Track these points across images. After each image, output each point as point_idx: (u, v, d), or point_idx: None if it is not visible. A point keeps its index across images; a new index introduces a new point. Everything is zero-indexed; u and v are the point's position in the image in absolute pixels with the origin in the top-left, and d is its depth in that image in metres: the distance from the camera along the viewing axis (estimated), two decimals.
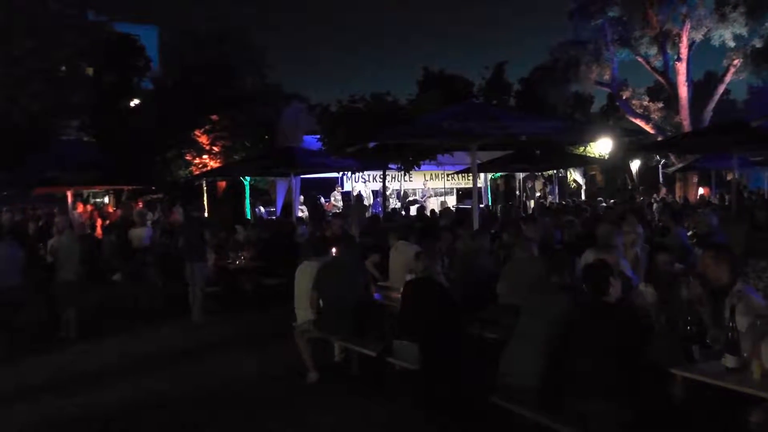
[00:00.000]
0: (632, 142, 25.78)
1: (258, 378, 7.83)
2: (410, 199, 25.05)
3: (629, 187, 33.36)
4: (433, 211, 18.59)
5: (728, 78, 27.13)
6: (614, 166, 32.19)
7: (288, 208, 19.36)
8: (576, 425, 4.59)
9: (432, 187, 26.25)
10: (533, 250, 7.46)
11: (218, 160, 24.35)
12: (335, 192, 23.70)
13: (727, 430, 4.59)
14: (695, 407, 4.71)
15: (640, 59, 27.70)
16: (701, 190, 26.26)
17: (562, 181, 30.94)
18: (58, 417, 6.74)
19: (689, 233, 9.77)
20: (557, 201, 26.18)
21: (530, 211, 21.04)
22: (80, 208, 20.16)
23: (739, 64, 26.33)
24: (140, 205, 20.39)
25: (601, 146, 24.68)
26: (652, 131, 27.08)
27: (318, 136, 18.54)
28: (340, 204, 22.99)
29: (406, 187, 25.67)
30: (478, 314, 6.98)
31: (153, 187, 25.47)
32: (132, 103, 28.15)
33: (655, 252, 6.27)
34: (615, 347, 4.54)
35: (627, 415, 4.39)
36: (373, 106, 17.06)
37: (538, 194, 26.96)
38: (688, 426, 4.72)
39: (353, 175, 24.00)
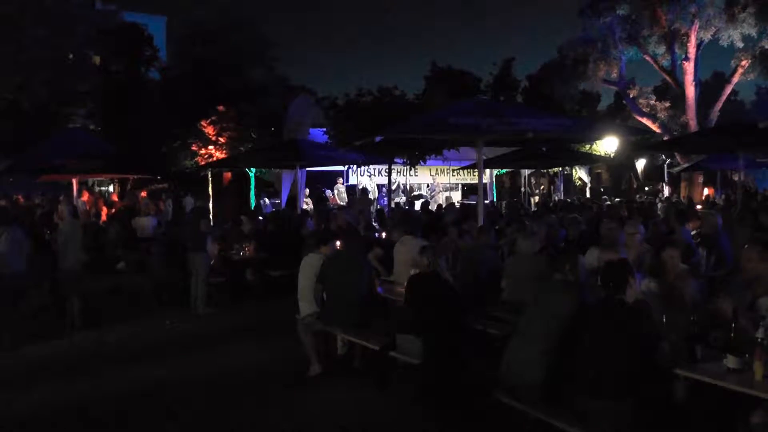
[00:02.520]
0: (638, 141, 25.77)
1: (260, 369, 7.86)
2: (415, 193, 25.07)
3: (634, 186, 33.31)
4: (440, 206, 18.59)
5: (736, 78, 27.02)
6: (620, 165, 32.14)
7: (293, 200, 19.38)
8: (578, 423, 4.60)
9: (437, 182, 26.24)
10: (535, 246, 7.47)
11: (224, 151, 24.36)
12: (338, 185, 23.70)
13: (729, 430, 4.60)
14: (698, 407, 4.71)
15: (647, 58, 27.61)
16: (706, 191, 26.22)
17: (568, 179, 30.89)
18: (58, 404, 6.79)
19: (693, 233, 9.76)
20: (562, 198, 26.17)
21: (534, 208, 21.05)
22: (86, 196, 20.19)
23: (747, 65, 26.23)
24: (144, 194, 20.42)
25: (607, 144, 24.64)
26: (658, 130, 27.01)
27: (324, 129, 18.56)
28: (344, 196, 23.01)
29: (411, 182, 25.69)
30: (481, 310, 6.99)
31: (158, 177, 25.50)
32: (138, 93, 28.17)
33: (660, 248, 6.22)
34: (628, 346, 4.56)
35: (632, 414, 4.41)
36: (381, 99, 17.05)
37: (542, 189, 26.99)
38: (690, 426, 4.73)
39: (358, 169, 24.00)
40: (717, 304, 5.08)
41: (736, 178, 24.88)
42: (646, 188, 31.01)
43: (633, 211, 13.30)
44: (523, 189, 29.12)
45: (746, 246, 5.57)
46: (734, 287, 5.49)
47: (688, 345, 4.67)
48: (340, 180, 23.79)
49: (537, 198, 26.21)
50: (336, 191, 23.60)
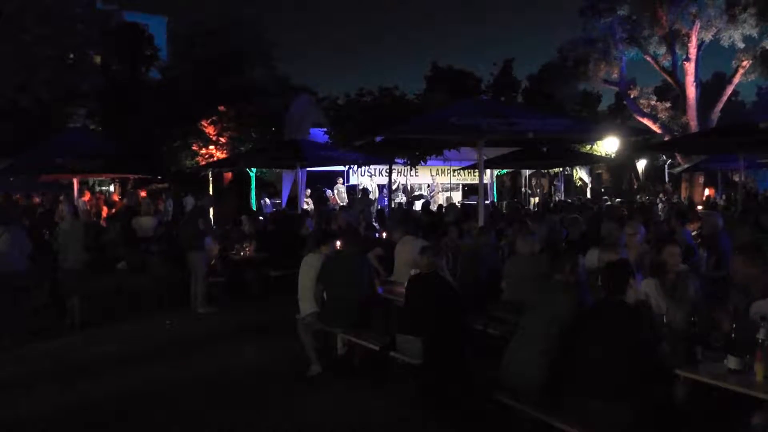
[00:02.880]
0: (639, 142, 25.78)
1: (260, 369, 7.86)
2: (416, 193, 25.08)
3: (635, 187, 33.30)
4: (440, 206, 18.59)
5: (737, 79, 27.03)
6: (620, 165, 32.16)
7: (294, 200, 19.38)
8: (578, 423, 4.60)
9: (437, 182, 26.25)
10: (535, 246, 7.47)
11: (224, 151, 24.37)
12: (338, 185, 23.69)
13: (730, 431, 4.60)
14: (698, 408, 4.71)
15: (648, 58, 27.63)
16: (707, 191, 26.23)
17: (568, 179, 30.91)
18: (58, 404, 6.78)
19: (693, 234, 9.76)
20: (562, 198, 26.18)
21: (534, 208, 21.05)
22: (87, 195, 20.20)
23: (748, 66, 26.25)
24: (143, 194, 20.41)
25: (608, 145, 24.66)
26: (659, 131, 27.03)
27: (324, 129, 18.56)
28: (344, 196, 23.01)
29: (412, 182, 25.69)
30: (481, 310, 6.99)
31: (159, 177, 25.50)
32: (139, 92, 28.18)
33: (661, 247, 6.18)
34: (628, 347, 4.55)
35: (632, 414, 4.41)
36: (381, 99, 17.05)
37: (543, 189, 27.02)
38: (690, 427, 4.73)
39: (359, 169, 24.00)
40: (717, 314, 5.08)
41: (736, 179, 24.88)
42: (655, 189, 30.97)
43: (633, 212, 13.30)
44: (523, 189, 29.14)
45: (734, 252, 5.59)
46: (735, 289, 5.49)
47: (689, 345, 4.67)
48: (340, 180, 23.80)
49: (537, 198, 26.22)
50: (336, 191, 23.61)
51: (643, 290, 5.60)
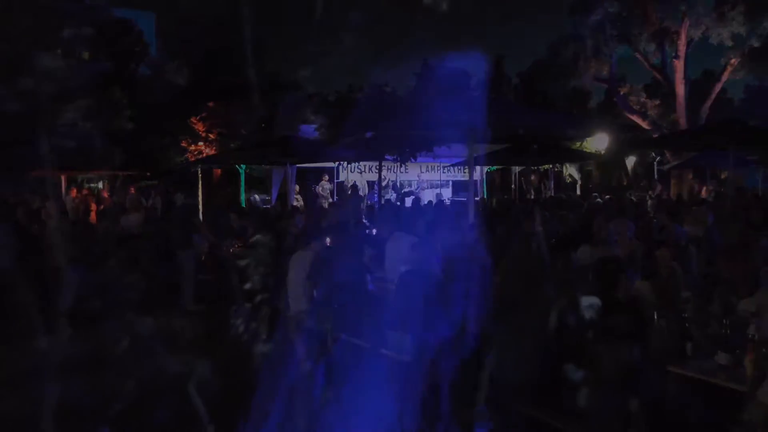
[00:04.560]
0: (629, 138, 25.85)
1: (250, 367, 7.80)
2: (406, 190, 25.03)
3: (624, 184, 33.37)
4: (430, 202, 18.59)
5: (725, 77, 27.16)
6: (610, 162, 32.24)
7: (283, 197, 19.33)
8: (574, 421, 4.59)
9: (427, 179, 26.21)
10: (528, 243, 7.45)
11: (214, 148, 24.26)
12: (323, 181, 23.61)
13: (720, 426, 4.60)
14: (692, 403, 4.71)
15: (638, 56, 27.70)
16: (704, 189, 26.28)
17: (558, 176, 30.94)
18: (49, 403, 6.71)
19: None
20: (552, 195, 26.22)
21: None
22: (74, 192, 20.08)
23: (736, 64, 26.37)
24: (132, 191, 20.32)
25: (598, 142, 24.68)
26: (648, 128, 27.12)
27: (315, 126, 18.53)
28: (328, 193, 22.95)
29: (402, 179, 25.65)
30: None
31: (148, 173, 25.40)
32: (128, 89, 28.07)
33: (654, 248, 6.23)
34: (622, 344, 4.54)
35: (626, 411, 4.40)
36: (372, 96, 17.02)
37: (533, 184, 27.06)
38: (684, 422, 4.73)
39: (349, 165, 23.94)
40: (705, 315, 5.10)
41: (723, 177, 24.98)
42: (642, 184, 31.07)
43: (625, 208, 13.32)
44: (513, 186, 29.17)
45: (722, 250, 5.64)
46: (725, 285, 5.50)
47: (680, 342, 4.67)
48: (326, 177, 23.72)
49: (528, 195, 26.24)
50: (321, 188, 23.51)
51: (636, 288, 5.61)
